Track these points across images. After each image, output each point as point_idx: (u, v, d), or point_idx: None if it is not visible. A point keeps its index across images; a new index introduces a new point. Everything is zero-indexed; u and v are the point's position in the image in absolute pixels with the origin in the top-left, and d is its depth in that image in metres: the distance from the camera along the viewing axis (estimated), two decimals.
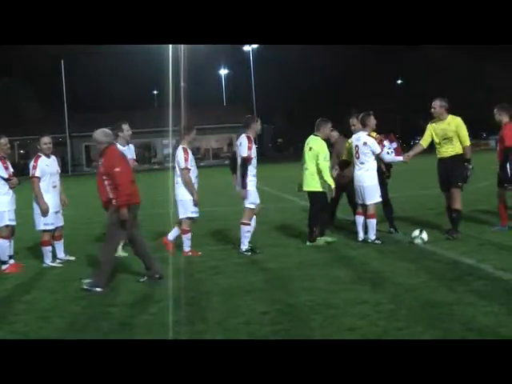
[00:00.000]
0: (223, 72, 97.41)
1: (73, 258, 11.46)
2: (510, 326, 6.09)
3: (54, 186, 11.06)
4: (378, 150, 11.41)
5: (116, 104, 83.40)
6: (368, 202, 11.41)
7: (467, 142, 11.32)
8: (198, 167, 11.72)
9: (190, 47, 59.15)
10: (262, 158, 12.41)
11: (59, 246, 11.42)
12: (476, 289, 7.63)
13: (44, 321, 7.40)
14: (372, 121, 11.68)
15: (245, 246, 11.17)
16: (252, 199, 11.12)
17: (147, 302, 7.99)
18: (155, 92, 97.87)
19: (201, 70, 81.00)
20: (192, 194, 11.16)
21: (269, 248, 11.46)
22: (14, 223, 10.83)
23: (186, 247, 11.34)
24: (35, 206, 10.86)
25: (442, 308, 6.86)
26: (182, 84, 68.30)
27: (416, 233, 11.02)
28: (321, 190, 11.48)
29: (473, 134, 11.45)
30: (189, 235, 11.33)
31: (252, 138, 11.12)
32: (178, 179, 11.27)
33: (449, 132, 11.28)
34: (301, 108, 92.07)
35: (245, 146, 10.91)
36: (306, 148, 11.62)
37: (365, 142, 11.46)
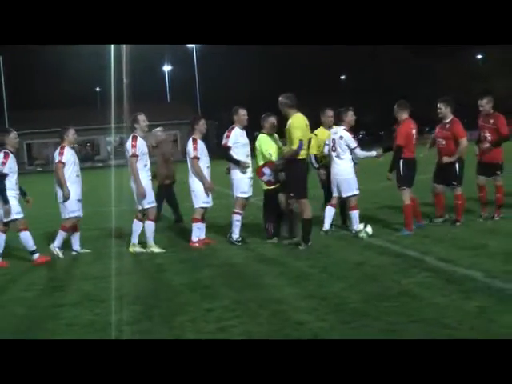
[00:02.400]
0: (167, 68, 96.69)
1: (89, 251, 11.44)
2: (452, 316, 6.19)
3: (78, 175, 11.33)
4: (353, 144, 11.53)
5: (58, 101, 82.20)
6: (344, 195, 11.58)
7: (293, 145, 10.28)
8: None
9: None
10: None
11: (76, 239, 11.53)
12: (420, 281, 7.74)
13: None
14: (350, 116, 11.77)
15: (235, 235, 11.33)
16: (242, 188, 11.39)
17: (93, 302, 7.87)
18: (98, 89, 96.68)
19: (144, 66, 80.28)
20: (203, 183, 11.26)
21: (214, 244, 11.43)
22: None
23: (194, 237, 11.32)
24: (59, 193, 11.08)
25: (387, 301, 6.92)
26: (125, 80, 67.74)
27: (360, 226, 11.13)
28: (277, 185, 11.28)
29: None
30: (199, 224, 11.33)
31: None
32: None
33: (286, 132, 10.59)
34: (245, 104, 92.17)
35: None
36: (256, 147, 11.54)
37: (341, 136, 11.57)
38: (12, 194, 10.62)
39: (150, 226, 11.25)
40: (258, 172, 11.10)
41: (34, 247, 10.82)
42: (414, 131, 11.34)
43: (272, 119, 11.52)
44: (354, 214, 11.49)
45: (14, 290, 8.82)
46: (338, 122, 11.88)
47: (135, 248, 11.26)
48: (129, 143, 11.12)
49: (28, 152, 77.99)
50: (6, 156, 10.66)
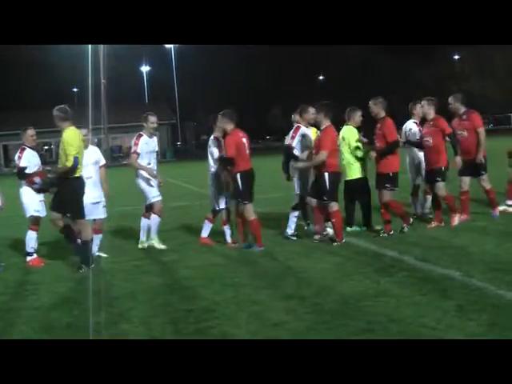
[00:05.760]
0: (145, 69, 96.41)
1: (105, 256, 11.01)
2: (430, 315, 6.22)
3: (89, 177, 10.56)
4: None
5: (35, 102, 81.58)
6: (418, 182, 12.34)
7: (67, 162, 9.47)
8: (121, 165, 11.54)
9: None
10: (185, 154, 12.18)
11: (96, 240, 10.93)
12: (398, 280, 7.77)
13: None
14: (418, 109, 12.09)
15: (291, 231, 11.37)
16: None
17: (69, 304, 7.82)
18: (75, 89, 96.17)
19: (122, 66, 79.97)
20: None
21: (193, 245, 11.38)
22: (38, 214, 10.72)
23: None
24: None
25: (365, 300, 6.94)
26: (103, 81, 67.40)
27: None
28: (360, 176, 11.45)
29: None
30: (210, 225, 11.38)
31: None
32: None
33: (60, 146, 9.79)
34: (223, 104, 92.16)
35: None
36: (340, 138, 11.55)
37: (410, 129, 12.25)
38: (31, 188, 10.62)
39: (155, 219, 11.30)
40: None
41: (33, 250, 10.68)
42: (244, 140, 10.77)
43: (359, 113, 11.63)
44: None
45: None
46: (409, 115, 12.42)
47: (144, 244, 11.43)
48: (133, 141, 11.33)
49: (4, 153, 77.12)
50: (21, 150, 10.74)
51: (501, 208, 12.06)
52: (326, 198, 10.59)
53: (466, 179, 11.76)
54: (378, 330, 5.87)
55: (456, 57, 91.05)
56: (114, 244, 11.60)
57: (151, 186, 11.20)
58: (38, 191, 10.50)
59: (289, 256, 9.83)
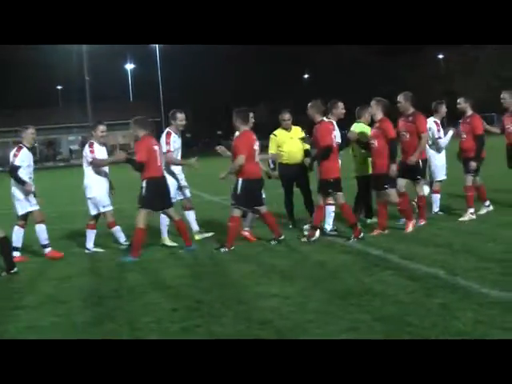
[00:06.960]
0: (129, 67, 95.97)
1: (102, 251, 11.30)
2: (415, 314, 6.23)
3: (106, 173, 11.32)
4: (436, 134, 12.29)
5: (18, 100, 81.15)
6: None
7: None
8: None
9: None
10: None
11: (91, 235, 11.36)
12: (383, 279, 7.78)
13: None
14: (443, 109, 12.45)
15: (329, 226, 11.30)
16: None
17: (54, 303, 7.78)
18: (59, 87, 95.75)
19: (106, 64, 79.64)
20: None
21: (179, 243, 11.35)
22: (33, 208, 10.83)
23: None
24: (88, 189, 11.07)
25: (350, 299, 6.95)
26: (87, 78, 67.14)
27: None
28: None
29: None
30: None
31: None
32: None
33: None
34: (208, 103, 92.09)
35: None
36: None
37: (429, 128, 12.04)
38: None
39: (191, 215, 11.79)
40: None
41: (47, 241, 10.85)
42: (156, 148, 10.49)
43: (369, 110, 11.52)
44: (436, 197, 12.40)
45: None
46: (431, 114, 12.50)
47: (165, 242, 11.42)
48: (163, 139, 11.34)
49: None
50: (18, 149, 10.78)
51: (485, 211, 11.97)
52: (233, 202, 10.59)
53: (403, 182, 11.17)
54: (362, 329, 5.89)
55: (440, 56, 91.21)
56: (99, 242, 11.54)
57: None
58: None
59: (272, 255, 9.82)
